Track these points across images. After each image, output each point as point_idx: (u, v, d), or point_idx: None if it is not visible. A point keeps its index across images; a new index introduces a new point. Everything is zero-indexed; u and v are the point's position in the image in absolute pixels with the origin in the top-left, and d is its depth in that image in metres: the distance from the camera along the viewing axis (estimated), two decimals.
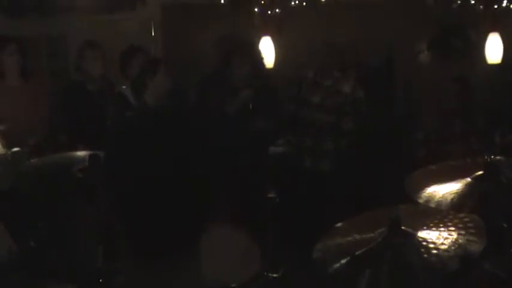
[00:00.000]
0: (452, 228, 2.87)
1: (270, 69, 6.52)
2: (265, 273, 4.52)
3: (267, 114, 5.74)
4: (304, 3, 6.52)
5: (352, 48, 6.13)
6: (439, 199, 3.17)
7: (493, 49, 6.31)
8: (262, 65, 5.95)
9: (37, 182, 3.96)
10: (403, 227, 2.90)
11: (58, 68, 7.30)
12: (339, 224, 3.16)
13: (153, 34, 7.04)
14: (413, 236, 2.87)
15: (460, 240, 2.81)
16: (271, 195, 4.67)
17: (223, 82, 5.76)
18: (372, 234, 2.93)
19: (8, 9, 7.02)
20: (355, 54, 6.29)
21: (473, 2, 5.89)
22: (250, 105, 5.64)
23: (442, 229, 2.88)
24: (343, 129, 5.95)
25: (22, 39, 5.83)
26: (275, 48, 6.71)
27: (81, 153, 4.15)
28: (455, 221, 2.92)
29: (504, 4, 6.24)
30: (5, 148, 4.76)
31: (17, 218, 4.20)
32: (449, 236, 2.84)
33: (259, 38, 6.61)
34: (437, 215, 2.99)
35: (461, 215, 2.95)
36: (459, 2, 5.83)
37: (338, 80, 6.01)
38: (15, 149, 4.76)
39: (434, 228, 2.89)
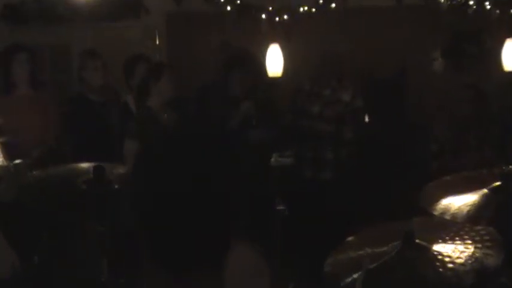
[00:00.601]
0: (469, 242, 2.78)
1: (277, 78, 6.47)
2: None
3: (267, 125, 5.74)
4: (314, 10, 6.40)
5: (352, 57, 6.11)
6: (455, 211, 3.07)
7: (510, 55, 6.14)
8: (263, 75, 6.04)
9: (40, 195, 3.88)
10: (417, 240, 2.81)
11: (62, 79, 7.22)
12: (350, 238, 3.06)
13: (157, 42, 6.95)
14: (428, 250, 2.78)
15: (476, 254, 2.71)
16: (280, 207, 4.54)
17: (222, 91, 5.78)
18: (385, 248, 2.83)
19: (10, 17, 6.98)
20: (357, 62, 6.26)
21: (488, 7, 5.77)
22: (251, 117, 5.63)
23: (458, 242, 2.79)
24: (343, 138, 5.91)
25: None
26: (283, 56, 6.57)
27: (85, 165, 4.10)
28: (472, 233, 2.82)
29: None
30: (7, 160, 4.68)
31: (19, 232, 4.15)
32: (465, 250, 2.74)
33: (267, 46, 6.50)
34: (453, 228, 2.89)
35: (478, 227, 2.85)
36: (474, 7, 5.71)
37: (337, 89, 5.97)
38: (18, 161, 4.68)
39: (449, 242, 2.80)
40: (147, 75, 5.27)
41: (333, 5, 6.46)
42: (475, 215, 3.01)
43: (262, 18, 6.62)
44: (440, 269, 2.70)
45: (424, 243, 2.81)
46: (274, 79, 6.47)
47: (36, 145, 5.17)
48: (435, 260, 2.74)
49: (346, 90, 5.93)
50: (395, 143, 6.20)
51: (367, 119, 5.98)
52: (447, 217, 3.05)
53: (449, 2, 6.09)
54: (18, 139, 4.99)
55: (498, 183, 3.13)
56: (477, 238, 2.80)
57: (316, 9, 6.45)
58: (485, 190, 3.13)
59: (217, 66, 6.01)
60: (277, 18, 6.58)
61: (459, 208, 3.08)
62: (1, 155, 4.67)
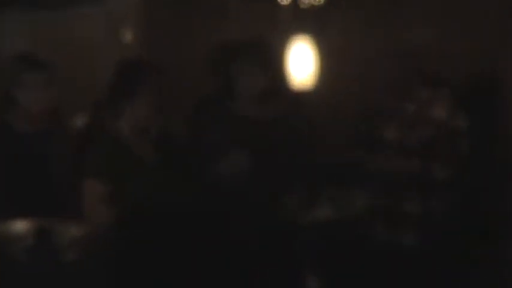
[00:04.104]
0: None
1: (303, 90, 5.32)
2: None
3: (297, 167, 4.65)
4: None
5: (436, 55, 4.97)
6: None
7: None
8: (285, 81, 5.04)
9: None
10: None
11: None
12: None
13: (129, 38, 6.00)
14: None
15: None
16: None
17: (220, 111, 4.77)
18: None
19: None
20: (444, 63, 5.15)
21: None
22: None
23: None
24: (434, 180, 4.70)
25: None
26: (313, 57, 5.35)
27: (21, 226, 3.95)
28: None
29: None
30: None
31: None
32: None
33: (287, 41, 5.33)
34: None
35: None
36: None
37: (425, 101, 4.75)
38: None
39: None
40: (116, 89, 4.51)
41: None
42: None
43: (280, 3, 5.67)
44: None
45: None
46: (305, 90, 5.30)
47: None
48: None
49: (441, 103, 4.70)
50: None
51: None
52: None
53: None
54: None
55: None
56: None
57: None
58: None
59: (212, 71, 5.02)
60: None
61: None
62: None
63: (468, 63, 5.57)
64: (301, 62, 5.34)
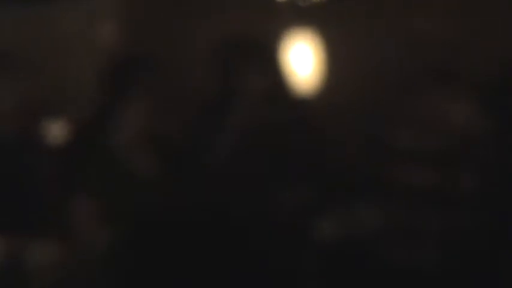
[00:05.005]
0: None
1: (307, 92, 4.85)
2: None
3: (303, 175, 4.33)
4: None
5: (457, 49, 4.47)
6: None
7: None
8: (287, 82, 4.60)
9: None
10: None
11: None
12: None
13: (116, 35, 5.35)
14: None
15: None
16: None
17: (220, 114, 4.43)
18: None
19: None
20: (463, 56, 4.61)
21: None
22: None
23: None
24: (456, 192, 4.19)
25: None
26: (316, 56, 4.92)
27: None
28: None
29: None
30: None
31: None
32: None
33: (289, 39, 4.90)
34: None
35: None
36: None
37: (444, 99, 4.35)
38: None
39: None
40: (111, 82, 4.28)
41: None
42: None
43: None
44: None
45: None
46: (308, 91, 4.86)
47: None
48: None
49: (462, 102, 4.22)
50: None
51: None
52: None
53: None
54: None
55: None
56: None
57: None
58: None
59: (211, 73, 4.62)
60: None
61: None
62: None
63: (495, 57, 4.87)
64: (304, 62, 4.94)
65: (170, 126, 4.35)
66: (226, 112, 4.34)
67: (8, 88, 4.43)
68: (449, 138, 4.16)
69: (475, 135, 4.14)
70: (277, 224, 4.10)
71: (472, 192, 4.09)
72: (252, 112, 4.31)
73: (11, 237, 3.74)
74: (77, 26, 5.43)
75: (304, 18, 4.93)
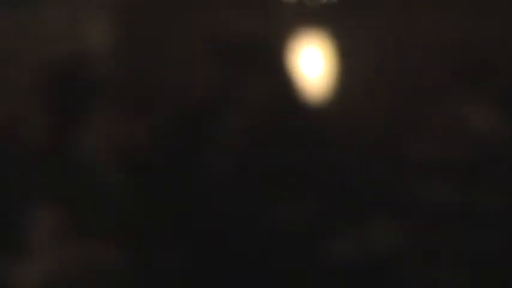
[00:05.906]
0: None
1: (315, 98, 4.53)
2: None
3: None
4: None
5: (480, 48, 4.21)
6: None
7: None
8: (294, 87, 4.42)
9: None
10: None
11: None
12: None
13: (98, 37, 5.02)
14: None
15: None
16: None
17: (218, 120, 4.22)
18: None
19: None
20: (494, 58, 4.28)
21: None
22: None
23: None
24: (480, 209, 3.92)
25: None
26: (325, 60, 4.65)
27: None
28: None
29: None
30: None
31: None
32: None
33: (296, 41, 4.62)
34: None
35: None
36: None
37: (465, 105, 4.09)
38: None
39: None
40: (80, 102, 4.17)
41: None
42: None
43: None
44: None
45: None
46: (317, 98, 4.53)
47: None
48: None
49: (484, 109, 4.01)
50: None
51: None
52: None
53: None
54: None
55: None
56: None
57: None
58: None
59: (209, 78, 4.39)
60: None
61: None
62: None
63: None
64: (311, 66, 4.68)
65: (142, 136, 4.08)
66: (223, 118, 4.14)
67: None
68: (473, 147, 3.99)
69: (502, 144, 3.97)
70: (283, 244, 3.83)
71: (497, 208, 3.86)
72: (252, 118, 4.13)
73: None
74: (64, 28, 5.08)
75: (311, 19, 4.65)
